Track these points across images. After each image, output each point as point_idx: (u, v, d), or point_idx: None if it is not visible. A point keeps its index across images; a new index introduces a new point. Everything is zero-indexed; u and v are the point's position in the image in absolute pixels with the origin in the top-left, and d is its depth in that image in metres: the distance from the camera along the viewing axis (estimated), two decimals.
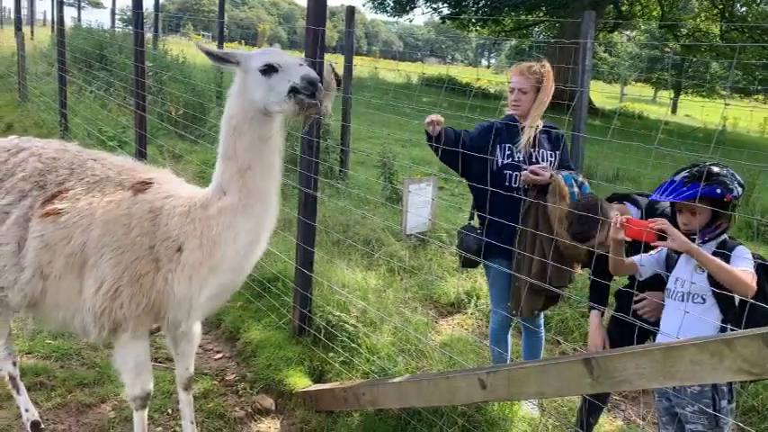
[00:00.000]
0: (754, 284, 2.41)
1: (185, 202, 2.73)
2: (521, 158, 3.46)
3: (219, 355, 4.30)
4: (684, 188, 2.53)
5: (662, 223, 2.53)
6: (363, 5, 29.85)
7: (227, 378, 4.00)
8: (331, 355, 3.90)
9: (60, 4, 8.93)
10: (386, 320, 4.14)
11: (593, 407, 3.25)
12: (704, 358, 1.84)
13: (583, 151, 5.41)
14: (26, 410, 3.24)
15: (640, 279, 2.85)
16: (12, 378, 3.25)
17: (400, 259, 5.51)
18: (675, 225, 2.57)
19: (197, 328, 3.18)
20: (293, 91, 2.46)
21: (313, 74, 2.51)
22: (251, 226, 2.66)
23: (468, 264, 3.82)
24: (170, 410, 3.56)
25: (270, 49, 2.70)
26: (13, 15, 21.94)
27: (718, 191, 2.49)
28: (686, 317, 2.44)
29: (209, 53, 2.66)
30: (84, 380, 3.74)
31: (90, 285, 2.69)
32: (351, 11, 7.31)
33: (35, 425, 3.23)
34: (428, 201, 5.48)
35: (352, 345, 3.91)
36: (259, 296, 4.68)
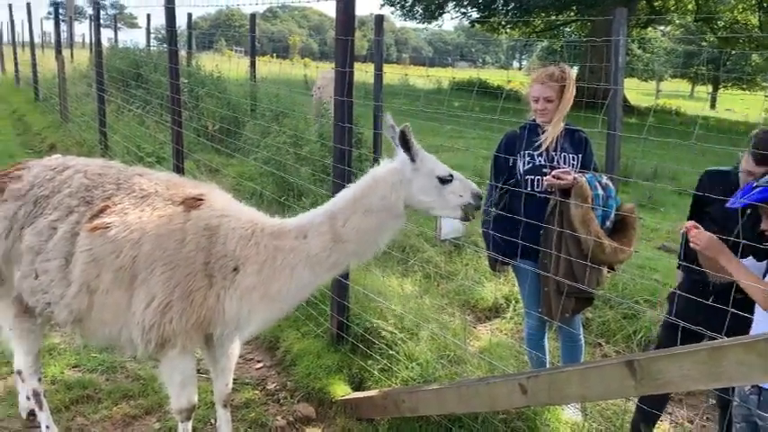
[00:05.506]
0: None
1: (247, 224, 2.79)
2: (542, 162, 3.44)
3: (260, 365, 4.34)
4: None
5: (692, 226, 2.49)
6: (392, 14, 29.97)
7: (268, 387, 4.03)
8: (369, 362, 3.91)
9: (98, 27, 9.19)
10: (423, 327, 4.13)
11: (647, 416, 3.18)
12: (752, 359, 1.79)
13: (619, 150, 5.32)
14: (47, 427, 3.28)
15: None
16: (36, 394, 3.29)
17: (436, 265, 5.50)
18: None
19: (236, 345, 3.21)
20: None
21: (477, 189, 2.78)
22: (311, 279, 2.79)
23: (495, 265, 3.80)
24: (212, 421, 3.61)
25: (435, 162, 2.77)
26: (53, 39, 22.67)
27: None
28: None
29: (405, 140, 2.69)
30: (130, 392, 3.82)
31: (140, 300, 2.71)
32: (380, 20, 7.35)
33: None
34: None
35: (391, 352, 3.91)
36: (297, 306, 4.71)
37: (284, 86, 11.59)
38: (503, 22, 27.69)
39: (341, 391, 3.80)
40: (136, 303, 2.74)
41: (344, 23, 3.70)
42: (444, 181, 2.72)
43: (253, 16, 12.04)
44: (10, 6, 18.23)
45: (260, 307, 2.76)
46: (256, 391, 3.97)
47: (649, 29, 29.62)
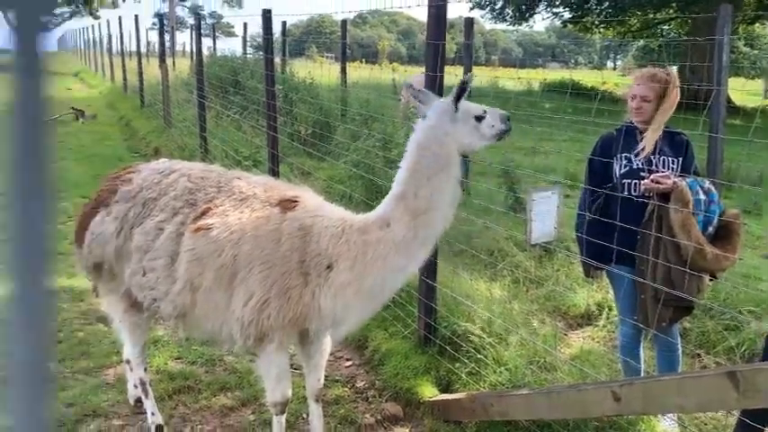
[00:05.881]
0: None
1: (338, 222, 2.88)
2: (640, 165, 3.33)
3: (349, 363, 4.44)
4: None
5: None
6: (482, 17, 29.72)
7: (357, 385, 4.12)
8: (457, 365, 3.92)
9: (199, 36, 9.67)
10: (512, 332, 4.09)
11: (750, 430, 3.02)
12: None
13: (722, 153, 5.07)
14: (152, 414, 3.48)
15: None
16: (142, 383, 3.49)
17: (525, 270, 5.43)
18: None
19: (328, 341, 3.31)
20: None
21: (504, 112, 2.92)
22: (405, 263, 2.83)
23: (589, 270, 3.71)
24: (304, 415, 3.73)
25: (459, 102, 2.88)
26: (157, 48, 24.04)
27: None
28: None
29: (462, 90, 2.84)
30: (227, 384, 4.00)
31: (239, 297, 2.85)
32: (469, 23, 7.35)
33: (159, 428, 3.47)
34: (553, 209, 5.35)
35: (479, 356, 3.90)
36: (385, 306, 4.79)
37: (373, 91, 11.76)
38: (596, 22, 26.85)
39: (428, 392, 3.83)
40: (236, 300, 2.88)
41: (436, 28, 3.74)
42: (480, 118, 2.82)
43: (344, 23, 12.30)
44: (120, 19, 19.47)
45: (355, 302, 2.85)
46: (346, 389, 4.07)
47: (757, 25, 27.85)
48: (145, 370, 3.53)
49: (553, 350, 3.97)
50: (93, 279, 3.49)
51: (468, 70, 7.57)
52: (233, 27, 61.44)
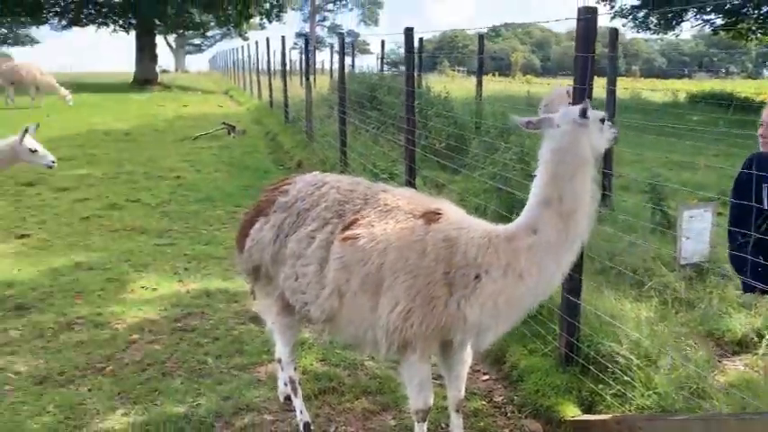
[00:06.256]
0: None
1: (483, 233, 2.94)
2: None
3: (486, 377, 4.43)
4: None
5: None
6: (623, 26, 28.52)
7: (495, 400, 4.11)
8: (601, 386, 3.79)
9: (342, 55, 10.12)
10: (662, 354, 3.89)
11: None
12: None
13: None
14: (300, 412, 3.66)
15: None
16: (292, 382, 3.69)
17: (675, 290, 5.14)
18: None
19: (469, 352, 3.34)
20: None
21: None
22: (557, 266, 2.86)
23: (749, 289, 3.46)
24: (443, 425, 3.77)
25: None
26: (298, 66, 25.33)
27: None
28: None
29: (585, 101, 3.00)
30: (368, 388, 4.14)
31: (384, 305, 2.96)
32: (614, 34, 7.12)
33: (306, 426, 3.64)
34: (706, 228, 5.03)
35: (625, 377, 3.75)
36: (523, 321, 4.72)
37: (508, 104, 11.68)
38: (752, 28, 24.89)
39: (570, 411, 3.74)
40: (381, 308, 2.99)
41: (585, 40, 3.68)
42: (603, 120, 2.97)
43: (481, 37, 12.35)
44: (267, 40, 20.76)
45: (505, 311, 2.88)
46: (483, 402, 4.07)
47: None
48: (294, 369, 3.74)
49: (707, 376, 3.73)
50: (251, 282, 3.76)
51: (611, 81, 7.32)
52: (369, 45, 63.40)
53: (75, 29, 37.34)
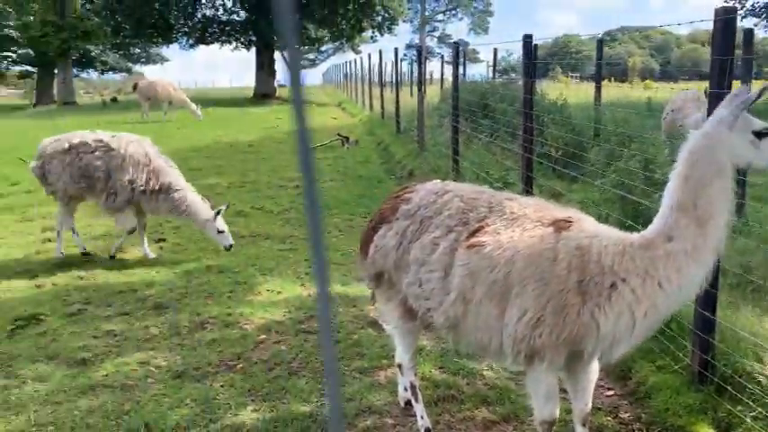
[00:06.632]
0: None
1: (617, 241, 2.88)
2: None
3: (611, 393, 4.28)
4: None
5: None
6: (755, 25, 26.62)
7: (621, 416, 3.96)
8: (740, 408, 3.56)
9: (456, 65, 10.16)
10: None
11: None
12: None
13: None
14: (421, 417, 3.71)
15: None
16: (412, 387, 3.74)
17: None
18: None
19: (596, 364, 3.25)
20: None
21: None
22: (698, 272, 2.77)
23: None
24: None
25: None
26: (407, 77, 25.67)
27: None
28: None
29: (741, 107, 2.79)
30: (488, 398, 4.12)
31: (512, 313, 2.95)
32: (749, 35, 6.69)
33: (427, 431, 3.68)
34: None
35: (767, 399, 3.50)
36: (651, 336, 4.53)
37: (627, 110, 11.22)
38: None
39: None
40: (508, 316, 2.98)
41: (723, 41, 3.51)
42: (761, 135, 2.75)
43: (600, 42, 11.99)
44: (380, 52, 21.22)
45: (642, 320, 2.81)
46: (609, 418, 3.94)
47: None
48: (415, 375, 3.80)
49: None
50: (374, 287, 3.86)
51: (745, 84, 6.86)
52: (478, 53, 63.05)
53: (199, 47, 39.86)
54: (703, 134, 2.77)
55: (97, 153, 6.88)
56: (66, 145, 6.95)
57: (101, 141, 6.94)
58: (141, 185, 6.86)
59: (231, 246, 7.05)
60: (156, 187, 6.92)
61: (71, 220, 7.31)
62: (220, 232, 6.97)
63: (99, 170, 6.84)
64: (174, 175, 7.05)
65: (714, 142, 2.74)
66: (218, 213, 6.94)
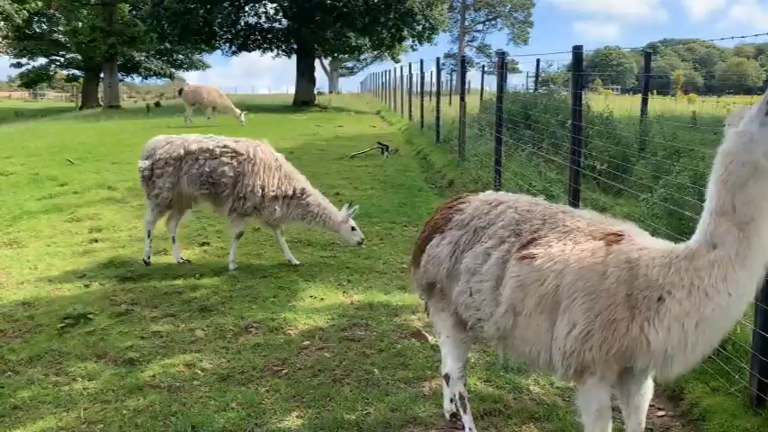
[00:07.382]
0: None
1: (663, 253, 2.81)
2: None
3: (662, 413, 4.17)
4: None
5: None
6: None
7: None
8: None
9: (500, 74, 10.10)
10: None
11: None
12: None
13: None
14: (469, 429, 3.64)
15: None
16: (461, 398, 3.69)
17: None
18: None
19: (650, 382, 3.16)
20: None
21: None
22: (747, 279, 2.64)
23: None
24: None
25: None
26: (447, 87, 25.67)
27: None
28: None
29: None
30: (535, 414, 4.04)
31: (562, 327, 2.91)
32: None
33: None
34: None
35: None
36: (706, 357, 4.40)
37: (678, 123, 11.00)
38: None
39: None
40: (558, 329, 2.94)
41: None
42: None
43: (648, 55, 11.83)
44: (421, 62, 21.26)
45: (693, 335, 2.71)
46: None
47: None
48: (464, 385, 3.75)
49: None
50: (426, 297, 3.83)
51: None
52: (518, 63, 62.61)
53: (240, 53, 40.41)
54: (735, 134, 2.65)
55: (224, 159, 6.78)
56: (182, 151, 6.85)
57: (226, 147, 6.86)
58: (273, 190, 6.80)
59: (363, 240, 7.14)
60: (290, 192, 6.87)
61: (153, 226, 7.15)
62: (353, 229, 7.03)
63: (226, 175, 6.76)
64: (304, 180, 7.03)
65: (745, 140, 2.60)
66: (350, 213, 6.96)
